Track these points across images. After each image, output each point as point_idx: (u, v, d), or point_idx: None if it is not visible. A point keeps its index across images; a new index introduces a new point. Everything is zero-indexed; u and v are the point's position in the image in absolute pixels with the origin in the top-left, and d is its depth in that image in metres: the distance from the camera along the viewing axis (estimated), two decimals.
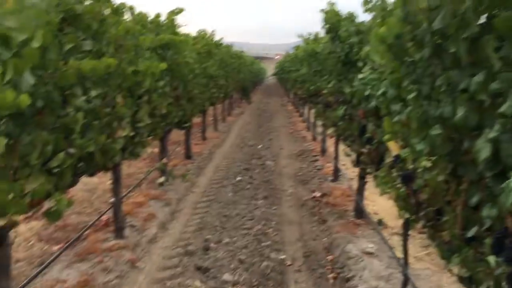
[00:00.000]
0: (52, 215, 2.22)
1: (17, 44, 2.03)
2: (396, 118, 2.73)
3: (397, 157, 2.81)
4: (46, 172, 2.42)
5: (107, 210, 4.65)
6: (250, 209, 5.22)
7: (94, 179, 5.94)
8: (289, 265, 3.82)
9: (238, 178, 6.63)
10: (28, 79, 2.11)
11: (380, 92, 2.98)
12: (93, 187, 5.74)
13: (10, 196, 1.93)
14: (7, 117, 2.04)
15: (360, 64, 4.06)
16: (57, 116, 2.52)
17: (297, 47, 10.54)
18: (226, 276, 3.51)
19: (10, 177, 2.03)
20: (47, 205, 2.42)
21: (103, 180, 5.93)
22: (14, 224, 2.18)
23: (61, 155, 2.50)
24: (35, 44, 2.12)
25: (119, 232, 4.17)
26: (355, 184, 5.44)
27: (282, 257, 3.95)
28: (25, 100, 1.86)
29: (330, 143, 8.32)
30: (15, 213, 1.98)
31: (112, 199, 4.24)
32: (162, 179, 5.71)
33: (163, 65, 3.80)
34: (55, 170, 2.50)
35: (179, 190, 5.79)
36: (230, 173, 7.01)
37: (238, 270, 3.64)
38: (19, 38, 2.05)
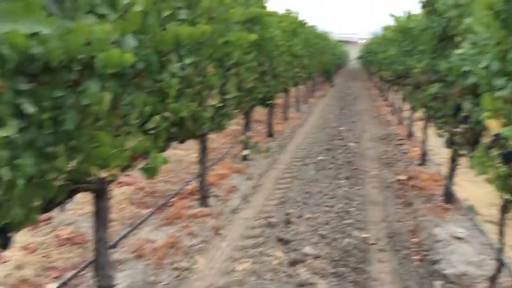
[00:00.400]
0: (149, 171, 2.33)
1: (122, 7, 2.14)
2: (498, 94, 2.55)
3: (497, 135, 2.63)
4: (143, 133, 2.54)
5: (193, 179, 4.84)
6: (332, 188, 5.16)
7: (181, 152, 6.19)
8: (372, 244, 3.74)
9: (320, 158, 6.58)
10: (131, 41, 2.21)
11: (481, 66, 2.79)
12: (179, 159, 5.97)
13: (113, 150, 2.04)
14: (111, 76, 2.14)
15: (458, 39, 3.83)
16: (154, 80, 2.63)
17: (386, 27, 10.15)
18: (308, 249, 3.50)
19: (112, 134, 2.15)
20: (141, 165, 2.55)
21: (188, 153, 6.16)
22: (114, 178, 2.32)
23: (157, 117, 2.61)
24: (138, 8, 2.21)
25: (203, 201, 4.30)
26: (443, 169, 5.19)
27: (365, 235, 3.87)
28: (129, 58, 1.94)
29: (416, 127, 8.00)
30: (116, 166, 2.09)
31: (198, 169, 4.38)
32: (246, 152, 5.82)
33: (253, 36, 3.83)
34: (151, 132, 2.63)
35: (261, 166, 5.86)
36: (311, 152, 6.97)
37: (320, 245, 3.62)
38: (124, 1, 2.16)
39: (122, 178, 4.67)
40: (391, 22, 8.32)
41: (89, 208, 3.93)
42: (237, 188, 4.87)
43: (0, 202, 1.64)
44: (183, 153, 6.18)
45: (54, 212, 3.83)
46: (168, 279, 3.02)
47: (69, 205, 4.01)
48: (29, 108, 1.62)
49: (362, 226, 4.09)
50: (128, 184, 4.79)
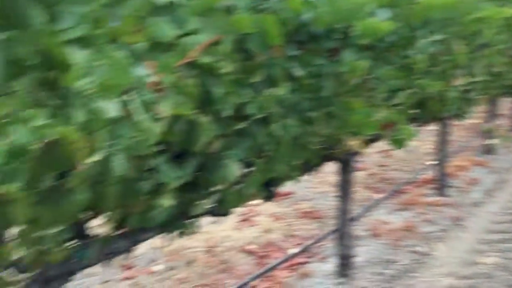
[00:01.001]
0: (397, 141, 2.33)
1: None
2: None
3: None
4: (388, 107, 2.55)
5: (428, 168, 4.66)
6: None
7: (414, 142, 5.98)
8: None
9: None
10: (385, 13, 2.23)
11: None
12: (412, 149, 5.78)
13: (365, 118, 2.10)
14: (365, 48, 2.20)
15: None
16: (401, 55, 2.60)
17: None
18: None
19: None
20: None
21: (422, 144, 5.92)
22: (360, 149, 2.39)
23: (404, 93, 2.58)
24: None
25: (441, 190, 4.09)
26: None
27: None
28: (386, 26, 1.97)
29: None
30: (367, 135, 2.15)
31: (436, 158, 4.20)
32: (493, 141, 5.31)
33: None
34: (396, 107, 2.61)
35: (507, 160, 5.26)
36: None
37: None
38: None
39: (357, 164, 4.77)
40: None
41: (326, 187, 4.16)
42: (478, 181, 4.49)
43: (269, 157, 1.85)
44: (416, 144, 5.95)
45: (295, 188, 4.15)
46: (405, 261, 2.97)
47: (307, 184, 4.28)
48: (299, 71, 1.79)
49: None
50: (361, 169, 4.86)
